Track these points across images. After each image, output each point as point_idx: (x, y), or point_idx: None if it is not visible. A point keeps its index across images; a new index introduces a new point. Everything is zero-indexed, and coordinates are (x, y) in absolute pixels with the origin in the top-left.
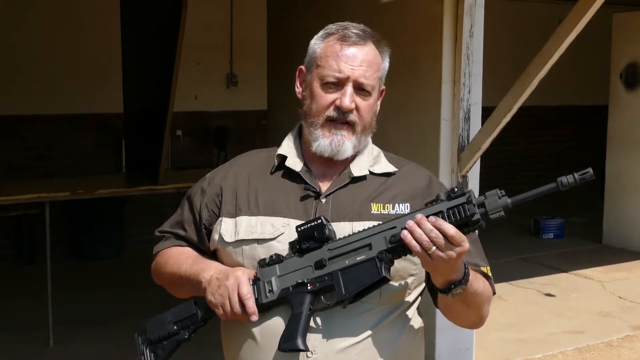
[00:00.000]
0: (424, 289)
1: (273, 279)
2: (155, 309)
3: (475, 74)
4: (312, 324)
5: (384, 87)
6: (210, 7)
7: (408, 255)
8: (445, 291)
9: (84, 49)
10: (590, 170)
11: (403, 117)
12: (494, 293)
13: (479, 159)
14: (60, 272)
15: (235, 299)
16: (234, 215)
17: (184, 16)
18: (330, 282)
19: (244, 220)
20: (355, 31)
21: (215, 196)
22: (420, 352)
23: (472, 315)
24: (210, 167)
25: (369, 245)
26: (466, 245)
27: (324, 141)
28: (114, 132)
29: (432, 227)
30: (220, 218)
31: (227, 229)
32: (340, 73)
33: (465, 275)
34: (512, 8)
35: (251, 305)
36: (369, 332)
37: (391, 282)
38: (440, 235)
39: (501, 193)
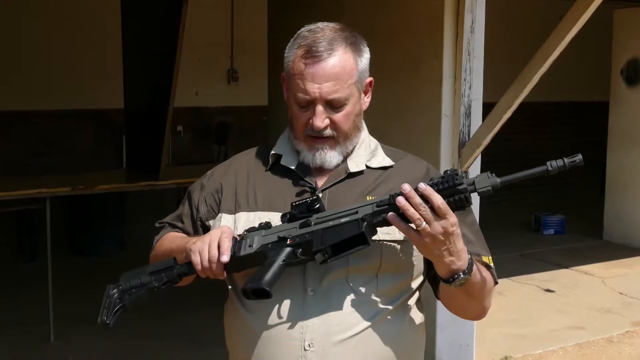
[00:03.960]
0: (423, 282)
1: (256, 237)
2: (156, 304)
3: (476, 70)
4: (308, 318)
5: (370, 78)
6: (211, 2)
7: (406, 247)
8: (448, 281)
9: (84, 45)
10: (579, 155)
11: (404, 113)
12: (496, 283)
13: (480, 155)
14: (61, 269)
15: (215, 245)
16: (233, 211)
17: (185, 12)
18: (310, 238)
19: (242, 216)
20: (322, 42)
21: (214, 192)
22: (421, 346)
23: (474, 306)
24: (211, 162)
25: (356, 212)
26: (452, 219)
27: (307, 155)
28: (114, 128)
29: (420, 201)
30: (219, 214)
31: (227, 224)
32: (307, 95)
33: (469, 266)
34: (513, 4)
35: (226, 247)
36: (366, 324)
37: (388, 275)
38: (427, 206)
39: (492, 175)
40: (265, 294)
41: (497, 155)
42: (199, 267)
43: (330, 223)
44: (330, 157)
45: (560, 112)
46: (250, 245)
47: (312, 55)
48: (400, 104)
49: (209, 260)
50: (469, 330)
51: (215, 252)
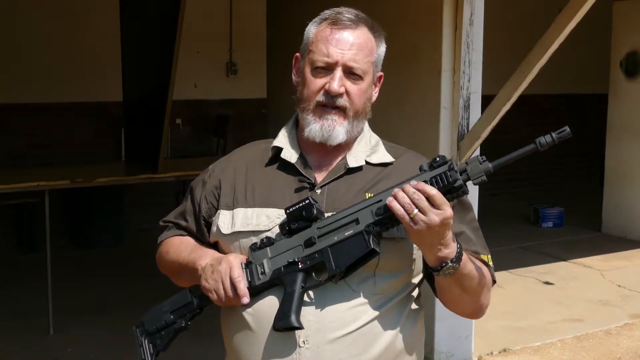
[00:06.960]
0: (422, 280)
1: (265, 261)
2: (155, 297)
3: (475, 62)
4: (304, 314)
5: (381, 73)
6: None
7: (404, 245)
8: (437, 269)
9: (83, 37)
10: (567, 128)
11: (403, 106)
12: (495, 282)
13: (479, 148)
14: (60, 261)
15: (228, 283)
16: (231, 207)
17: (184, 4)
18: (321, 258)
19: (240, 212)
20: (348, 15)
21: (214, 189)
22: (420, 342)
23: (469, 302)
24: (210, 155)
25: (357, 220)
26: (448, 210)
27: (315, 126)
28: (113, 121)
29: (415, 190)
30: (218, 211)
31: (225, 221)
32: (329, 57)
33: (458, 255)
34: None
35: (242, 287)
36: (362, 322)
37: (386, 273)
38: (423, 197)
39: (482, 159)
40: (297, 328)
41: (496, 147)
42: (219, 303)
43: (335, 238)
44: (338, 131)
45: (559, 104)
46: (263, 273)
47: (339, 22)
48: (399, 96)
49: (228, 299)
50: (468, 323)
51: (231, 293)
